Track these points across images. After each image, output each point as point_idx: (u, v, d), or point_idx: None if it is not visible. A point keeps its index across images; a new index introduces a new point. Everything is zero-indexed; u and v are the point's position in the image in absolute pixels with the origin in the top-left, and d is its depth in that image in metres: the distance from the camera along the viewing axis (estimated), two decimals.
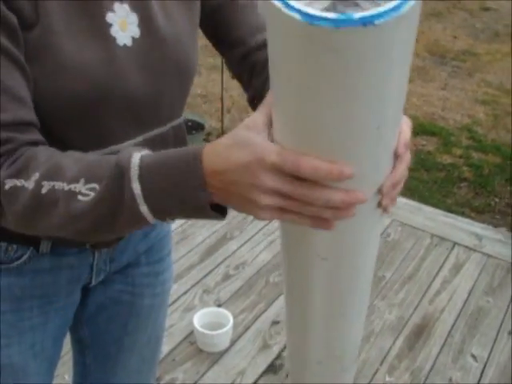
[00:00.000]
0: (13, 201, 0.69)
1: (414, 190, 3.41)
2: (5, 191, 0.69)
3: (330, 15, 0.45)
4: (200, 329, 2.07)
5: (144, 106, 0.84)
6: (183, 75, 0.88)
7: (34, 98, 0.74)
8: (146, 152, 0.66)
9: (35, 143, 0.73)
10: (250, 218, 2.78)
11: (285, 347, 2.08)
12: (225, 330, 2.07)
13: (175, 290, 2.33)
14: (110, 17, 0.78)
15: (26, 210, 0.69)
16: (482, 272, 2.57)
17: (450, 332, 2.26)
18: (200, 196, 0.62)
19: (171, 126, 0.91)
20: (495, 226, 3.08)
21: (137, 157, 0.65)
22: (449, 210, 3.17)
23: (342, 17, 0.45)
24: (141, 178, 0.63)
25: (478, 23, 6.06)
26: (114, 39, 0.78)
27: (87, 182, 0.66)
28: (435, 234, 2.79)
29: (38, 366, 1.01)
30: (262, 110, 0.62)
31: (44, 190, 0.67)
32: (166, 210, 0.65)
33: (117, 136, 0.83)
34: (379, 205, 0.62)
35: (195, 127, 3.42)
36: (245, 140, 0.59)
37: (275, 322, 2.24)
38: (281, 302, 2.29)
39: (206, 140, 3.52)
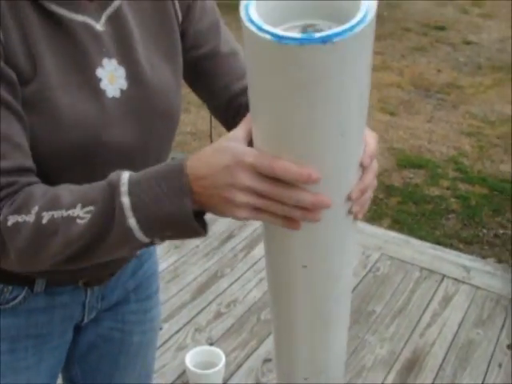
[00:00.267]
0: (16, 236, 0.73)
1: (402, 222, 3.45)
2: (8, 227, 0.73)
3: (296, 35, 0.54)
4: (192, 368, 2.07)
5: (133, 150, 0.88)
6: (168, 121, 0.93)
7: (31, 144, 0.78)
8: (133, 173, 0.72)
9: (33, 184, 0.77)
10: (241, 255, 2.80)
11: None
12: (217, 368, 2.07)
13: (167, 329, 2.34)
14: (99, 72, 0.83)
15: (29, 243, 0.73)
16: (472, 304, 2.59)
17: (441, 365, 2.26)
18: (185, 202, 0.67)
19: None
20: (484, 256, 3.12)
21: (125, 175, 0.71)
22: (437, 241, 3.20)
23: (305, 36, 0.54)
24: (130, 191, 0.69)
25: (461, 57, 6.19)
26: (103, 92, 0.83)
27: (84, 206, 0.71)
28: (424, 267, 2.81)
29: None
30: (243, 125, 0.68)
31: (44, 221, 0.72)
32: (152, 223, 0.69)
33: None
34: (350, 212, 0.69)
35: None
36: (225, 146, 0.66)
37: (267, 360, 2.24)
38: (272, 340, 2.30)
39: None
